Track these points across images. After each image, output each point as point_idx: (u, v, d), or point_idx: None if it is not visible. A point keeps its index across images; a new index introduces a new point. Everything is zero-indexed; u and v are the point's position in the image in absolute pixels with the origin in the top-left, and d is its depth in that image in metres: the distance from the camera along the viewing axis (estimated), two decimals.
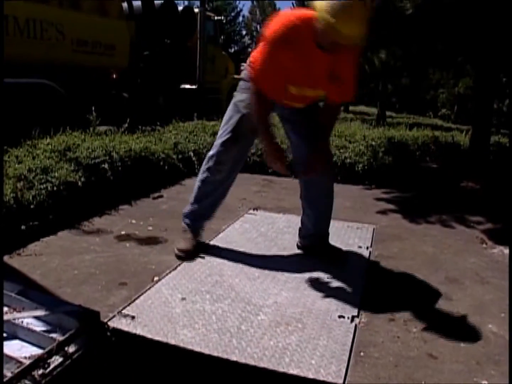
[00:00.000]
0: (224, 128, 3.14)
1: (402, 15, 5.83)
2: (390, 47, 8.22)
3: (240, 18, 44.16)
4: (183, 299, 2.58)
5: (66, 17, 7.82)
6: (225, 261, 3.12)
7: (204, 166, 3.22)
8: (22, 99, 6.71)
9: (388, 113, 20.06)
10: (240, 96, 3.09)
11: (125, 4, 9.83)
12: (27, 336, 2.12)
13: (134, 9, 10.11)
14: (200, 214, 3.29)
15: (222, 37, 16.60)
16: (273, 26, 2.65)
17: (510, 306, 2.55)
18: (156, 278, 2.84)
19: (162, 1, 10.71)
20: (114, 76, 8.74)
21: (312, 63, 2.67)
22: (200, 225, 3.32)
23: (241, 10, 43.93)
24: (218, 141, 3.15)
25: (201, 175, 3.23)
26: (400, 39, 6.60)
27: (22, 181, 3.77)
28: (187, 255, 3.13)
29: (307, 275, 2.97)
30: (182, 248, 3.17)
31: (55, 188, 3.82)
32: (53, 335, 2.08)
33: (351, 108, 26.04)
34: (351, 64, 2.78)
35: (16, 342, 2.10)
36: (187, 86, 11.88)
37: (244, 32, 44.74)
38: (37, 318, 2.23)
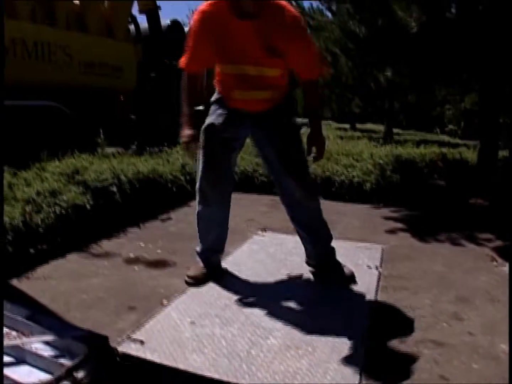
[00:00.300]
0: None
1: (407, 33, 5.86)
2: (396, 65, 8.25)
3: None
4: (192, 323, 2.57)
5: (73, 39, 7.93)
6: (234, 284, 3.10)
7: (196, 200, 3.12)
8: (31, 121, 6.77)
9: (395, 130, 20.06)
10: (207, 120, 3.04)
11: (132, 26, 9.92)
12: (36, 361, 2.11)
13: (141, 31, 10.20)
14: (211, 249, 3.24)
15: None
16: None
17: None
18: (165, 302, 2.83)
19: (169, 23, 10.80)
20: (122, 98, 8.80)
21: (237, 36, 2.66)
22: (213, 259, 3.26)
23: None
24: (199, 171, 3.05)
25: (196, 210, 3.14)
26: (406, 57, 6.63)
27: (30, 204, 3.79)
28: (197, 283, 3.08)
29: (317, 296, 2.95)
30: (192, 275, 3.12)
31: (63, 211, 3.83)
32: (62, 360, 2.08)
33: (358, 125, 26.11)
34: (290, 33, 2.66)
35: (24, 368, 2.09)
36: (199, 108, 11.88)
37: None
38: (45, 343, 2.22)
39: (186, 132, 2.86)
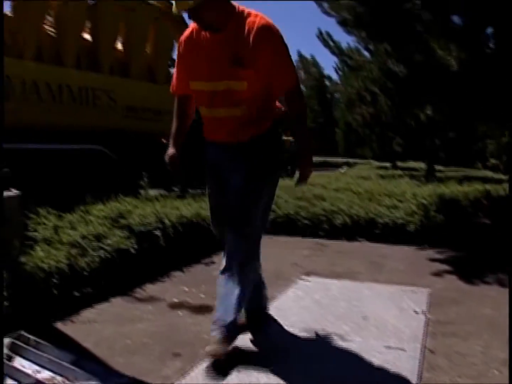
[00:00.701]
0: None
1: (446, 71, 5.83)
2: (436, 103, 8.21)
3: None
4: (238, 371, 2.53)
5: (117, 84, 8.14)
6: (279, 331, 3.06)
7: None
8: (76, 164, 6.91)
9: (436, 167, 19.83)
10: None
11: (172, 70, 10.14)
12: None
13: None
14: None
15: None
16: None
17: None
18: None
19: None
20: (163, 140, 8.92)
21: (205, 52, 2.61)
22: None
23: None
24: None
25: None
26: (445, 94, 6.59)
27: (76, 248, 3.84)
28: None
29: (363, 345, 2.88)
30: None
31: (108, 255, 3.87)
32: None
33: (399, 163, 25.91)
34: (257, 42, 2.51)
35: None
36: None
37: None
38: None
39: (169, 151, 2.86)
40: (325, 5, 7.19)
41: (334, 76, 43.73)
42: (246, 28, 2.53)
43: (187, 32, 2.72)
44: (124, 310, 3.46)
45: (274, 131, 2.81)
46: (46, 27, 7.25)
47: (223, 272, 2.71)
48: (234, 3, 2.61)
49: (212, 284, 4.01)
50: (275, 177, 2.85)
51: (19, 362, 2.57)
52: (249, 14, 2.57)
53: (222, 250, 2.66)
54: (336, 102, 43.06)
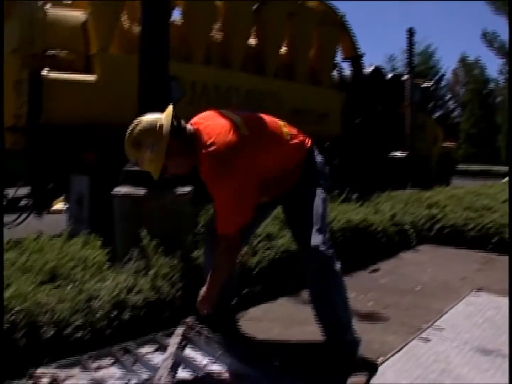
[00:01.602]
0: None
1: None
2: None
3: (443, 82, 43.42)
4: None
5: (282, 87, 8.30)
6: (452, 347, 2.93)
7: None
8: None
9: None
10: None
11: (335, 73, 10.15)
12: None
13: (344, 78, 10.40)
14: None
15: (430, 104, 16.32)
16: None
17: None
18: (380, 359, 2.75)
19: (371, 70, 10.90)
20: (327, 144, 8.93)
21: None
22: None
23: (444, 73, 42.89)
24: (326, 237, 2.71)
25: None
26: None
27: (247, 246, 3.93)
28: None
29: None
30: None
31: (278, 255, 3.93)
32: None
33: None
34: (211, 188, 2.52)
35: None
36: (397, 154, 11.76)
37: (448, 96, 43.77)
38: None
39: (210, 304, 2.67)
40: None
41: (499, 79, 41.08)
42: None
43: None
44: (292, 311, 3.49)
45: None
46: (214, 31, 7.59)
47: None
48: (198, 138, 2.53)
49: (379, 292, 3.98)
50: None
51: (191, 352, 2.70)
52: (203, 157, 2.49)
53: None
54: (499, 106, 40.48)
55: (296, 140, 2.79)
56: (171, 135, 2.42)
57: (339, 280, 2.69)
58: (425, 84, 14.06)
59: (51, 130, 5.70)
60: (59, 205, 7.75)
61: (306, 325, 3.18)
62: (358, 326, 3.19)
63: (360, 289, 4.01)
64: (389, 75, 12.47)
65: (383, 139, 10.98)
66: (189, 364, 2.54)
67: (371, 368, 2.63)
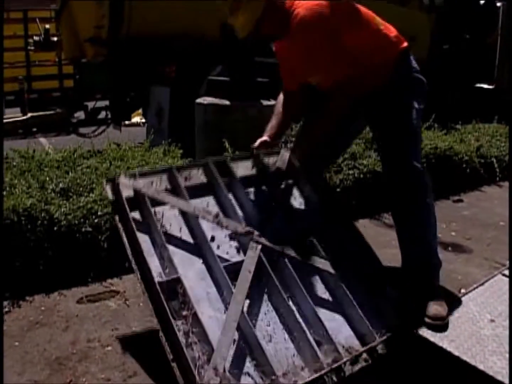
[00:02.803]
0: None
1: None
2: None
3: None
4: (492, 321, 2.42)
5: (368, 7, 7.94)
6: None
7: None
8: None
9: None
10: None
11: None
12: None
13: (435, 0, 9.87)
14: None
15: None
16: None
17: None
18: (463, 291, 2.74)
19: None
20: None
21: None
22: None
23: None
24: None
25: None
26: None
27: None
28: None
29: None
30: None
31: (361, 176, 3.90)
32: None
33: None
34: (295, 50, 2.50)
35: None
36: (484, 86, 11.20)
37: None
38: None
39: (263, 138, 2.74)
40: None
41: None
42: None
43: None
44: (374, 233, 3.50)
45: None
46: None
47: None
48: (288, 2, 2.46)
49: (462, 223, 3.92)
50: None
51: None
52: (295, 15, 2.42)
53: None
54: None
55: (389, 33, 2.64)
56: None
57: (431, 200, 2.62)
58: None
59: (132, 42, 5.65)
60: (137, 118, 7.86)
61: (387, 248, 3.17)
62: (441, 255, 3.19)
63: (442, 218, 3.94)
64: (483, 1, 11.73)
65: (470, 68, 10.47)
66: None
67: (453, 298, 2.62)
